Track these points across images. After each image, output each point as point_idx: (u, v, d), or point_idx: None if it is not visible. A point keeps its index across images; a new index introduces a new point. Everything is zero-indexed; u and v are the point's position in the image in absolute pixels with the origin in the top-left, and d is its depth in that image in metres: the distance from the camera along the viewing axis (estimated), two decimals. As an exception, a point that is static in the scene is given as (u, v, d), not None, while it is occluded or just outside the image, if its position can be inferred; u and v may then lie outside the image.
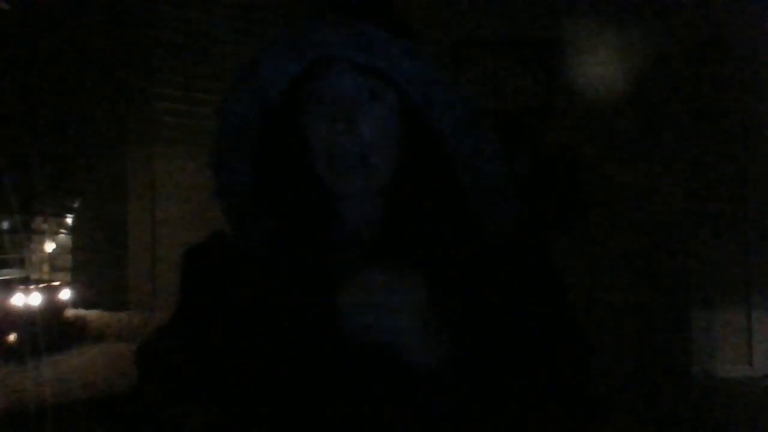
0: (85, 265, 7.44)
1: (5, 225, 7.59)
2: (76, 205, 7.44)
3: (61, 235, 7.93)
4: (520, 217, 0.92)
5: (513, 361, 0.85)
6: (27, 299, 6.40)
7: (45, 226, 7.77)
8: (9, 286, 6.52)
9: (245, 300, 0.88)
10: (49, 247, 7.93)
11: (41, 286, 6.70)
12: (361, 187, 0.84)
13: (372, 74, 0.85)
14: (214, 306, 0.90)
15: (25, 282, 6.83)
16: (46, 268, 7.94)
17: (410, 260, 0.84)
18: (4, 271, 7.21)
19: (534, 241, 0.94)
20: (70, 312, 6.82)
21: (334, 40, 0.82)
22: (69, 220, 7.69)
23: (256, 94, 0.84)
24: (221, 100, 0.87)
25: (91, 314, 6.86)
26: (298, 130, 0.84)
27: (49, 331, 6.15)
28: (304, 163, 0.85)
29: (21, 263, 7.55)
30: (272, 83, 0.83)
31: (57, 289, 6.84)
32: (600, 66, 4.87)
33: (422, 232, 0.87)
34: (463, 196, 0.89)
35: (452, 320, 0.84)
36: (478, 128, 0.86)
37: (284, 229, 0.87)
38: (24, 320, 6.16)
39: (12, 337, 6.12)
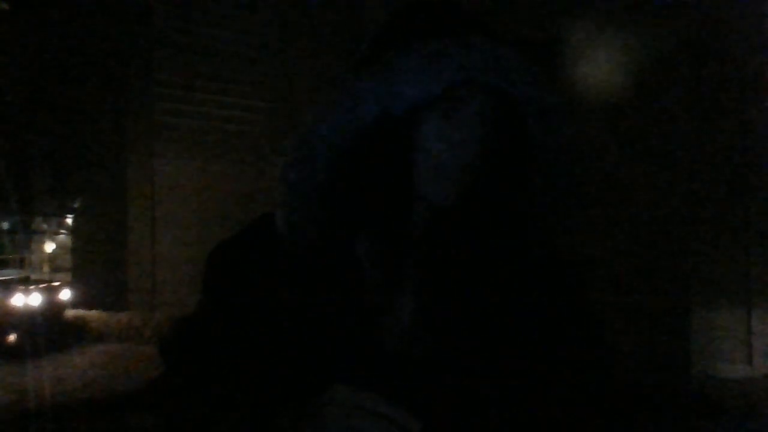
0: (85, 265, 7.45)
1: (5, 225, 7.61)
2: (76, 205, 7.46)
3: (61, 235, 7.94)
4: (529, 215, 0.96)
5: (525, 361, 0.87)
6: (27, 299, 6.41)
7: (45, 226, 7.79)
8: (9, 286, 6.54)
9: (272, 295, 0.89)
10: (49, 247, 7.95)
11: (41, 286, 6.71)
12: (453, 199, 0.88)
13: (500, 101, 0.88)
14: (241, 301, 0.91)
15: (25, 282, 6.84)
16: (46, 268, 7.96)
17: (448, 257, 0.89)
18: (4, 271, 7.22)
19: (543, 242, 0.96)
20: (70, 312, 6.83)
21: (478, 65, 0.85)
22: (69, 220, 7.70)
23: (384, 100, 0.85)
24: (344, 98, 0.88)
25: (91, 314, 6.88)
26: (404, 137, 0.87)
27: (49, 331, 6.17)
28: (395, 169, 0.87)
29: (21, 263, 7.56)
30: (405, 96, 0.85)
31: (57, 289, 6.86)
32: (600, 66, 4.88)
33: (465, 226, 0.90)
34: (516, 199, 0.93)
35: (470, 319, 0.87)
36: (568, 146, 0.91)
37: (347, 224, 0.90)
38: (24, 320, 6.17)
39: (12, 337, 6.14)
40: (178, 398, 0.89)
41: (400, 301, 0.87)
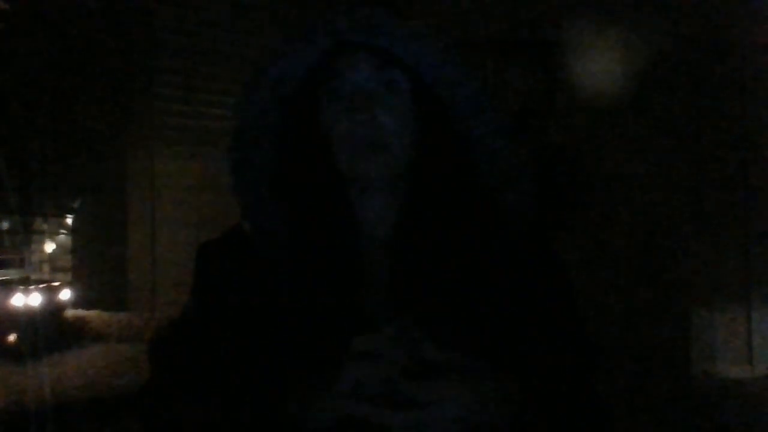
0: (85, 265, 7.43)
1: (5, 225, 7.59)
2: (76, 205, 7.44)
3: (61, 235, 7.93)
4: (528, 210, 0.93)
5: (513, 356, 0.86)
6: (27, 299, 6.39)
7: (45, 226, 7.77)
8: (9, 286, 6.52)
9: (259, 296, 0.89)
10: (49, 247, 7.93)
11: (41, 286, 6.69)
12: (380, 171, 0.86)
13: (387, 63, 0.87)
14: (228, 302, 0.91)
15: (25, 282, 6.83)
16: (46, 268, 7.95)
17: (421, 253, 0.86)
18: (4, 271, 7.20)
19: (538, 237, 0.95)
20: (70, 312, 6.82)
21: (344, 26, 0.85)
22: (69, 220, 7.69)
23: (275, 86, 0.87)
24: (241, 93, 0.90)
25: (91, 314, 6.86)
26: (317, 125, 0.87)
27: (49, 331, 6.15)
28: (322, 156, 0.87)
29: (21, 263, 7.54)
30: (289, 74, 0.86)
31: (57, 289, 6.84)
32: (600, 66, 4.87)
33: (436, 224, 0.88)
34: (478, 182, 0.91)
35: (453, 314, 0.86)
36: (487, 105, 0.90)
37: (301, 223, 0.89)
38: (24, 320, 6.16)
39: (12, 337, 6.12)
40: (165, 401, 0.88)
41: (370, 294, 0.86)
